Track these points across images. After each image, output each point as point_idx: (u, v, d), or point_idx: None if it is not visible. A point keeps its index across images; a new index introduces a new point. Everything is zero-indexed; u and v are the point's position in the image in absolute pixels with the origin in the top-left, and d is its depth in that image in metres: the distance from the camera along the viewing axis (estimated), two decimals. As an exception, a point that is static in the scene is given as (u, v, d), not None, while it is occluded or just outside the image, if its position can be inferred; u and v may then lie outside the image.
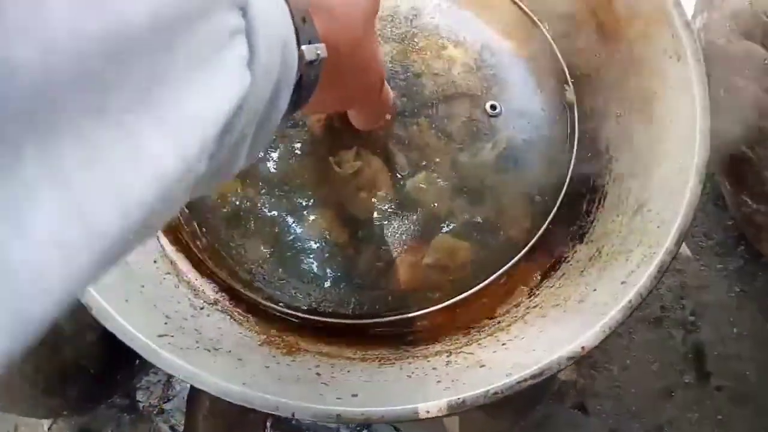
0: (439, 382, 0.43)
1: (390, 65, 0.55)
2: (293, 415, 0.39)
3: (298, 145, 0.54)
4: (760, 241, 0.76)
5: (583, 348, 0.40)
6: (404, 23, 0.59)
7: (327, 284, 0.52)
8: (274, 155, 0.54)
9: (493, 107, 0.55)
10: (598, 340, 0.40)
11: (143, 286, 0.48)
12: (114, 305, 0.42)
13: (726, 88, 0.60)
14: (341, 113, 0.51)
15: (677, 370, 0.77)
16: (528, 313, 0.49)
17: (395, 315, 0.52)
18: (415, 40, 0.57)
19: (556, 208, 0.54)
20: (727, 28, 0.62)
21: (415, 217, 0.52)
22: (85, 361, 0.63)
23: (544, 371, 0.39)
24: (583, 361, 0.72)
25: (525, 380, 0.39)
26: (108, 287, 0.43)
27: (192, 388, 0.67)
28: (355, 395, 0.41)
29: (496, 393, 0.39)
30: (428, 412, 0.38)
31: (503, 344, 0.46)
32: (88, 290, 0.42)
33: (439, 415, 0.38)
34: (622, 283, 0.44)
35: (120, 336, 0.41)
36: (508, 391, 0.39)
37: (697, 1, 0.71)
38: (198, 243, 0.54)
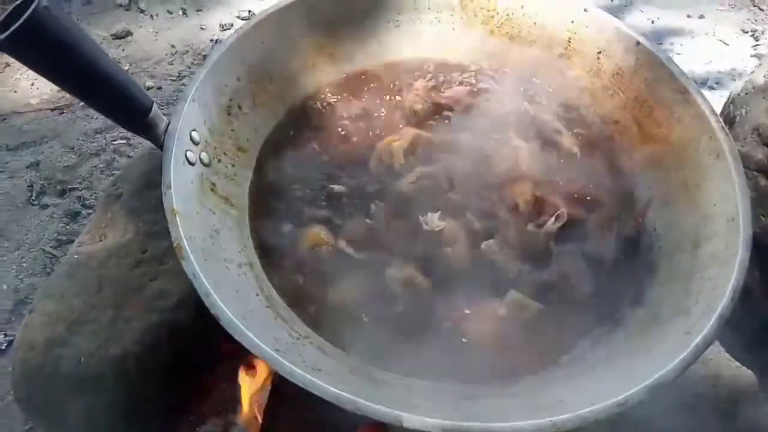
0: (521, 411, 0.47)
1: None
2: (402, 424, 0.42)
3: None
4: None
5: (660, 384, 0.45)
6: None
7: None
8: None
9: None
10: (671, 378, 0.45)
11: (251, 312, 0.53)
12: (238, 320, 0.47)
13: (752, 186, 0.70)
14: None
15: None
16: (596, 362, 0.54)
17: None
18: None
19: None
20: (750, 139, 0.73)
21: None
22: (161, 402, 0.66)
23: (628, 400, 0.44)
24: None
25: (613, 407, 0.43)
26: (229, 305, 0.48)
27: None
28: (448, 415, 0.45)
29: (586, 418, 0.43)
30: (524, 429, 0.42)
31: (578, 386, 0.51)
32: (218, 302, 0.47)
33: None
34: (686, 333, 0.49)
35: (247, 345, 0.46)
36: (595, 416, 0.43)
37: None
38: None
